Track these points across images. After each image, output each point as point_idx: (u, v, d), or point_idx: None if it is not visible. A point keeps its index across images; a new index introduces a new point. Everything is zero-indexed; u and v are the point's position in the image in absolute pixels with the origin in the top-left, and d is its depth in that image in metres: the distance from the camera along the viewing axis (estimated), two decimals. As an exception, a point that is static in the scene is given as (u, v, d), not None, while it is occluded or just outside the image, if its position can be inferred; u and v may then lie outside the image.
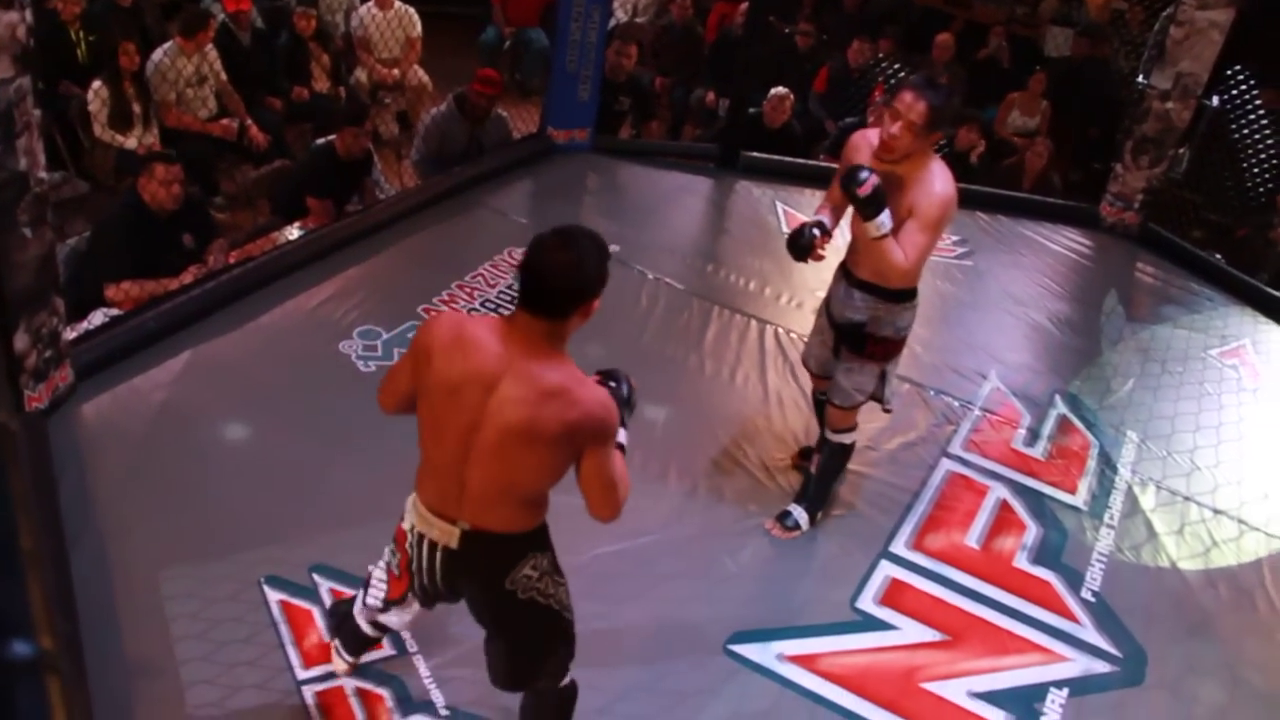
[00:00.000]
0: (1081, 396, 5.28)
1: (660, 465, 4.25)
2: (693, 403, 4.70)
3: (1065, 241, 7.03)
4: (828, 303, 3.93)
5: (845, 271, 3.82)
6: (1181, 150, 7.89)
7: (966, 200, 7.03)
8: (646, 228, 6.13)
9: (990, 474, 4.58)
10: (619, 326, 4.97)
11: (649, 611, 3.60)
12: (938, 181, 3.45)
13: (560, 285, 2.34)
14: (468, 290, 5.17)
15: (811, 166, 7.25)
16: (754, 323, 5.31)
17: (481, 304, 5.08)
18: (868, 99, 7.93)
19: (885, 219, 3.40)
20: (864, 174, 3.36)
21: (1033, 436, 4.89)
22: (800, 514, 4.06)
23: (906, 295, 3.71)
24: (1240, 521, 4.68)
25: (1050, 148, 7.78)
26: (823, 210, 3.80)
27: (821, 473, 4.06)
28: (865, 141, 3.59)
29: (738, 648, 3.54)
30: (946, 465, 4.57)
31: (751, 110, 7.26)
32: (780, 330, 5.26)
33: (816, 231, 3.65)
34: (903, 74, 7.85)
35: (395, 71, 7.70)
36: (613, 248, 5.45)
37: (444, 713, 3.20)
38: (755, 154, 7.13)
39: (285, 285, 4.97)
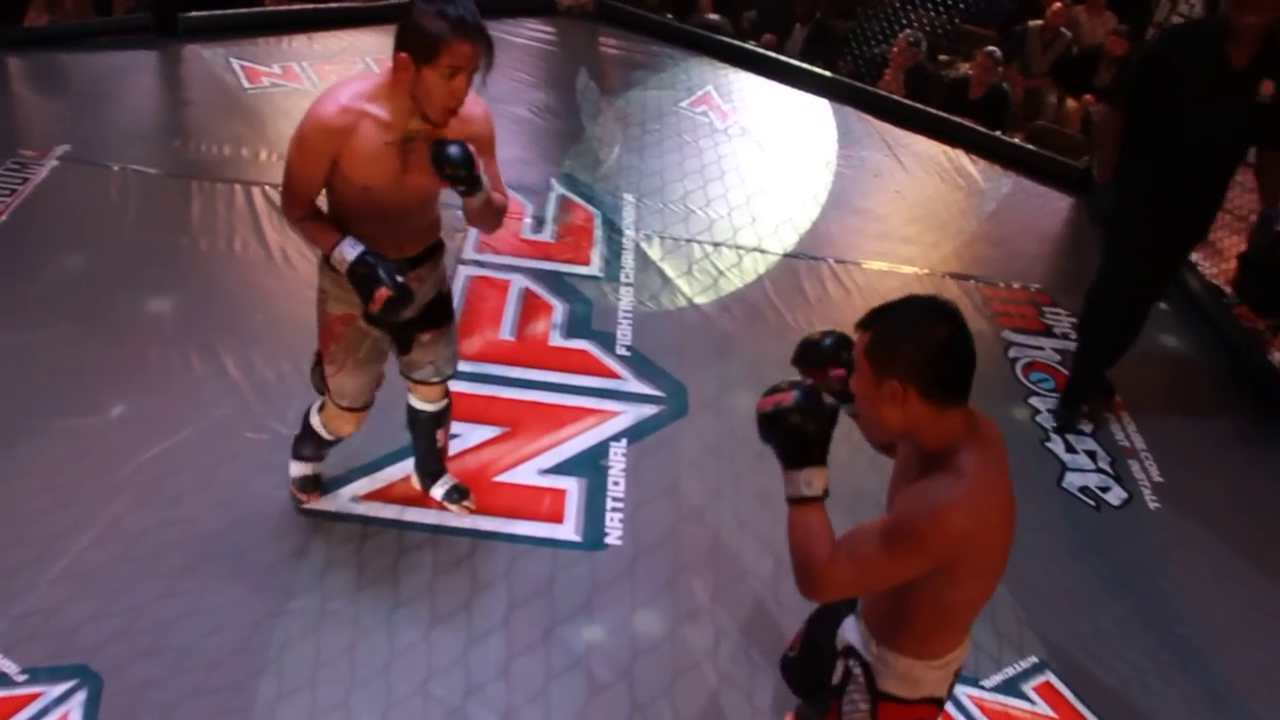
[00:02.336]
0: (575, 173, 5.52)
1: (180, 356, 4.00)
2: (200, 284, 4.43)
3: (528, 33, 7.18)
4: None
5: None
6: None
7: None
8: (97, 119, 5.60)
9: (507, 268, 4.71)
10: (94, 229, 4.56)
11: (211, 501, 3.43)
12: (941, 489, 1.94)
13: None
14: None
15: (258, 14, 6.88)
16: (238, 187, 5.04)
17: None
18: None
19: (808, 476, 2.01)
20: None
21: (538, 223, 5.07)
22: None
23: None
24: (737, 248, 5.13)
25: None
26: None
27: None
28: None
29: (312, 504, 3.48)
30: (464, 272, 4.64)
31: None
32: (267, 188, 5.03)
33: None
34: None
35: None
36: (63, 148, 5.08)
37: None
38: (194, 14, 6.62)
39: None
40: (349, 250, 2.70)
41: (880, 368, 1.92)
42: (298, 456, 3.43)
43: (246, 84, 6.02)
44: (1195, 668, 3.52)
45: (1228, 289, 5.70)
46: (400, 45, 2.50)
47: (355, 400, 3.11)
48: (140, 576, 3.13)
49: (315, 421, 3.25)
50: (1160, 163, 3.98)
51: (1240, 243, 6.31)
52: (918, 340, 1.90)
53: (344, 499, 3.50)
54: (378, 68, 6.21)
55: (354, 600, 3.17)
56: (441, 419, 3.36)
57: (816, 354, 2.28)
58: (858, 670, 2.21)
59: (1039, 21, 8.28)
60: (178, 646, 2.96)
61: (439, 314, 3.11)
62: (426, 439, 3.41)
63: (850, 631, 2.25)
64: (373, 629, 3.10)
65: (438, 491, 3.52)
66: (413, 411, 3.33)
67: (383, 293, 2.70)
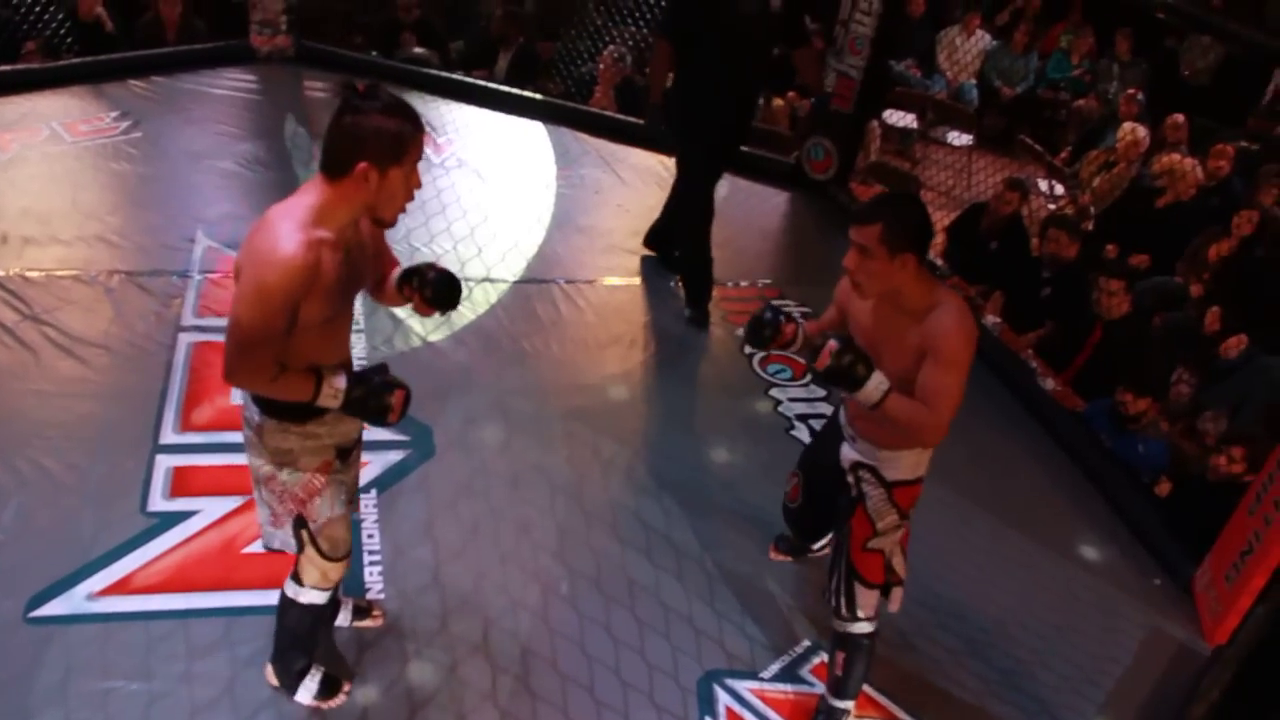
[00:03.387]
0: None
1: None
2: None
3: (229, 83, 6.93)
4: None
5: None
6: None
7: (114, 69, 6.73)
8: None
9: (232, 330, 4.51)
10: None
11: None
12: (950, 312, 2.73)
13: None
14: None
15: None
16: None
17: None
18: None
19: (877, 383, 2.71)
20: (829, 343, 2.71)
21: (261, 279, 4.87)
22: None
23: None
24: (466, 280, 5.07)
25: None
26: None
27: None
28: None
29: (41, 610, 3.23)
30: (186, 339, 4.44)
31: None
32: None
33: (780, 318, 3.03)
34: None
35: None
36: None
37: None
38: None
39: None
40: (338, 381, 2.50)
41: (895, 247, 2.64)
42: (298, 670, 3.06)
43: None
44: (952, 620, 3.75)
45: (939, 261, 6.07)
46: (355, 157, 2.27)
47: (348, 544, 2.82)
48: None
49: (307, 597, 2.87)
50: (704, 75, 4.76)
51: (946, 217, 6.74)
52: (920, 219, 2.72)
53: (78, 599, 3.28)
54: (66, 133, 5.94)
55: (103, 706, 2.97)
56: None
57: (772, 324, 3.01)
58: (867, 475, 3.01)
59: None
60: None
61: None
62: None
63: (850, 454, 3.06)
64: (126, 733, 2.91)
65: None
66: None
67: (399, 394, 2.56)
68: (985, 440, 4.72)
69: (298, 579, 2.85)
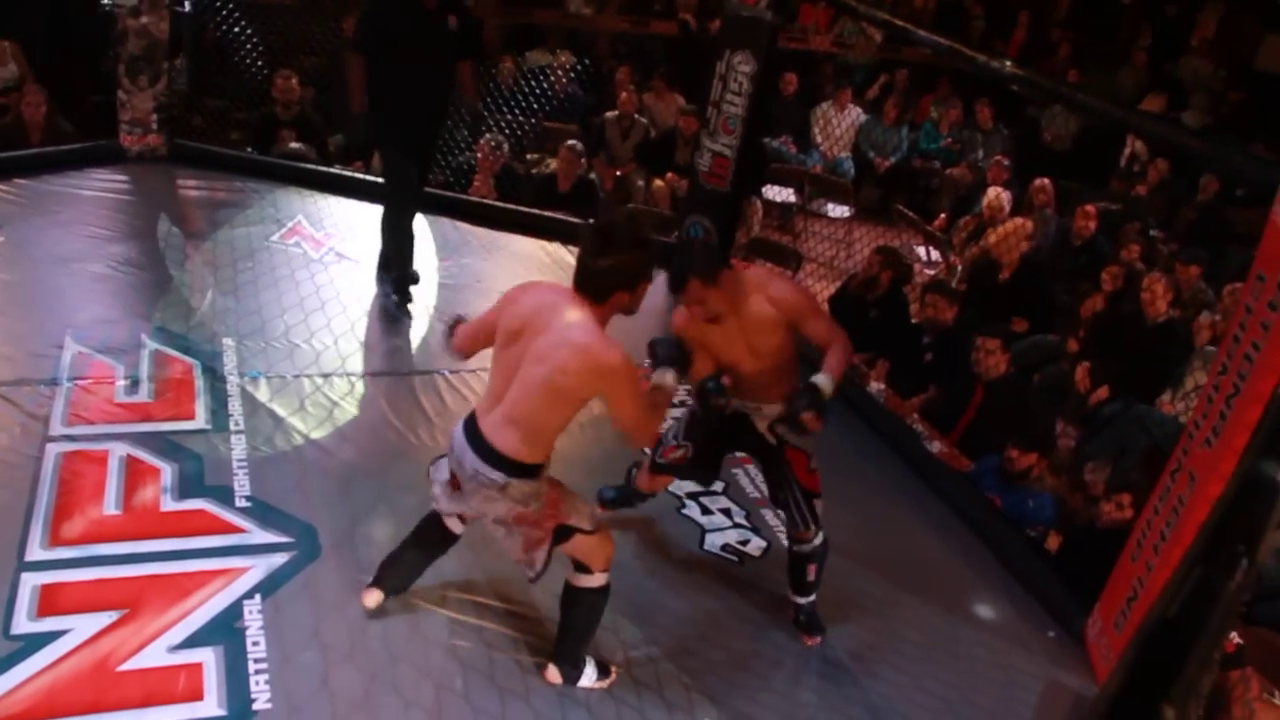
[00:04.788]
0: (167, 325, 5.23)
1: None
2: None
3: (98, 184, 6.79)
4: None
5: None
6: (178, 61, 7.89)
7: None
8: None
9: (104, 437, 4.35)
10: None
11: None
12: (773, 278, 3.91)
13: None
14: None
15: None
16: None
17: None
18: None
19: (829, 381, 3.59)
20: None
21: (133, 384, 4.74)
22: None
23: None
24: (348, 375, 5.04)
25: (43, 93, 7.32)
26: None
27: None
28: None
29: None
30: (54, 449, 4.25)
31: None
32: None
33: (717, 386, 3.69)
34: None
35: None
36: None
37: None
38: None
39: None
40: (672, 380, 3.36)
41: (710, 279, 3.49)
42: (583, 658, 3.54)
43: None
44: (852, 690, 3.78)
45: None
46: (614, 289, 3.03)
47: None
48: None
49: (600, 580, 3.39)
50: (394, 85, 5.41)
51: (829, 287, 6.86)
52: (688, 248, 3.89)
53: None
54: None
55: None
56: None
57: (717, 390, 3.64)
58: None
59: (614, 112, 8.73)
60: None
61: None
62: None
63: (762, 420, 3.80)
64: None
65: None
66: None
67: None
68: (875, 505, 4.78)
69: (585, 569, 3.36)
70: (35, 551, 3.75)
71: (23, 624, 3.46)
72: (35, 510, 3.92)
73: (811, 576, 3.89)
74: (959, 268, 7.71)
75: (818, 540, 3.82)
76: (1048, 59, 10.97)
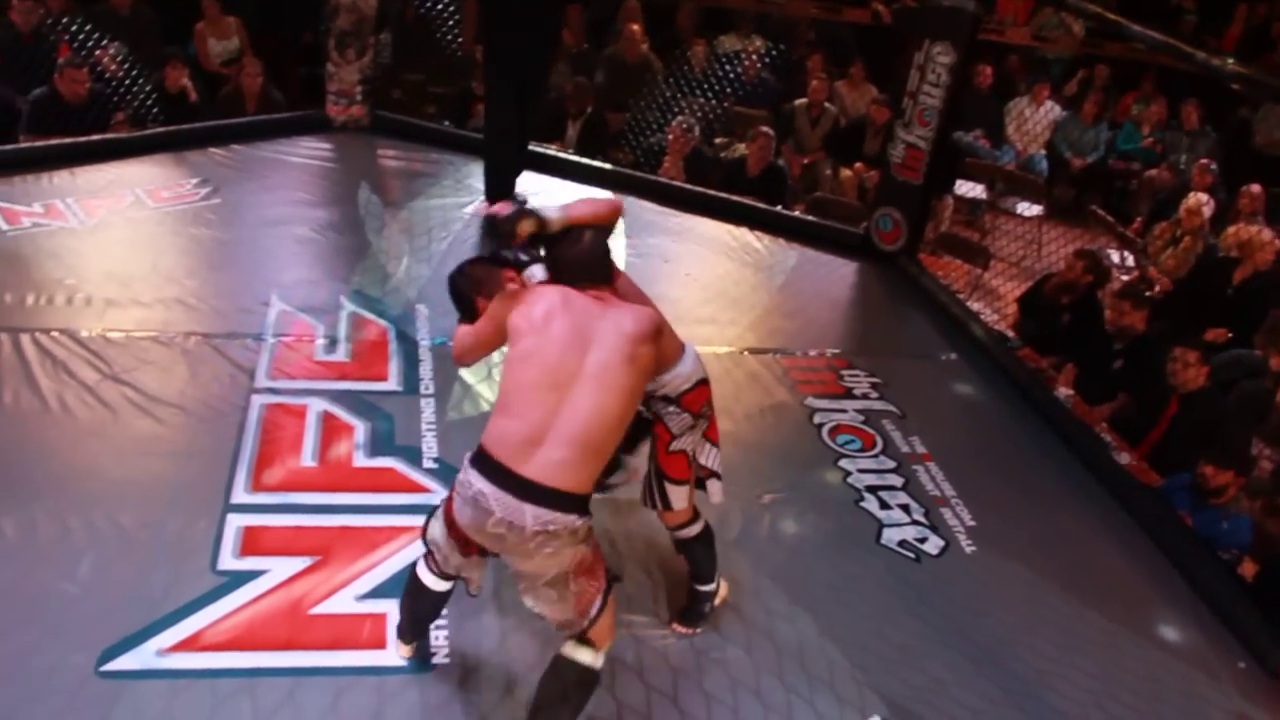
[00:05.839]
0: (365, 289, 5.45)
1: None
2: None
3: (305, 151, 7.11)
4: None
5: None
6: (383, 36, 8.17)
7: (196, 138, 6.92)
8: None
9: (303, 392, 4.58)
10: None
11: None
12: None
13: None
14: None
15: (12, 151, 6.58)
16: (4, 336, 4.70)
17: None
18: (52, 62, 7.23)
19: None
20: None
21: (332, 343, 4.96)
22: None
23: None
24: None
25: (260, 65, 7.71)
26: None
27: None
28: None
29: (112, 665, 3.25)
30: (259, 401, 4.49)
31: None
32: (37, 334, 4.74)
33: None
34: (86, 27, 7.29)
35: None
36: None
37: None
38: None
39: None
40: None
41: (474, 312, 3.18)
42: None
43: (5, 225, 5.71)
44: (1029, 702, 3.65)
45: (1010, 333, 6.00)
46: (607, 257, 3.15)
47: None
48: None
49: (601, 660, 2.98)
50: (499, 18, 5.97)
51: (1018, 288, 6.68)
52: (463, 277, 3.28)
53: (148, 654, 3.29)
54: (149, 199, 6.09)
55: (168, 763, 2.97)
56: None
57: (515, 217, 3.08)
58: (657, 401, 3.34)
59: (804, 100, 8.66)
60: None
61: None
62: None
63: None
64: (191, 792, 2.91)
65: None
66: None
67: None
68: (1059, 517, 4.63)
69: (594, 645, 2.92)
70: (240, 495, 3.98)
71: (228, 561, 3.68)
72: (241, 456, 4.16)
73: (690, 565, 3.62)
74: (1152, 274, 7.41)
75: (693, 530, 3.54)
76: (1266, 55, 10.37)
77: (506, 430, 2.71)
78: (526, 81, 6.21)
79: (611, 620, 2.95)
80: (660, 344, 3.05)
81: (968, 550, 4.28)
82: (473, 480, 2.71)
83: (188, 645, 3.35)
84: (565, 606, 2.85)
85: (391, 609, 3.51)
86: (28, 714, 3.06)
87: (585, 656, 2.91)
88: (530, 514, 2.65)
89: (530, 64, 6.16)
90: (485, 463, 2.70)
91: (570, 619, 2.88)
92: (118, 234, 5.76)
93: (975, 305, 6.28)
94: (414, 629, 3.36)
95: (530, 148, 7.43)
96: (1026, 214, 8.82)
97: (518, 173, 6.53)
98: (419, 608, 3.26)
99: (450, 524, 2.88)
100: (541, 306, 2.87)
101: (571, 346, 2.78)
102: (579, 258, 3.06)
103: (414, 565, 3.19)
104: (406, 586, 3.24)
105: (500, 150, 6.38)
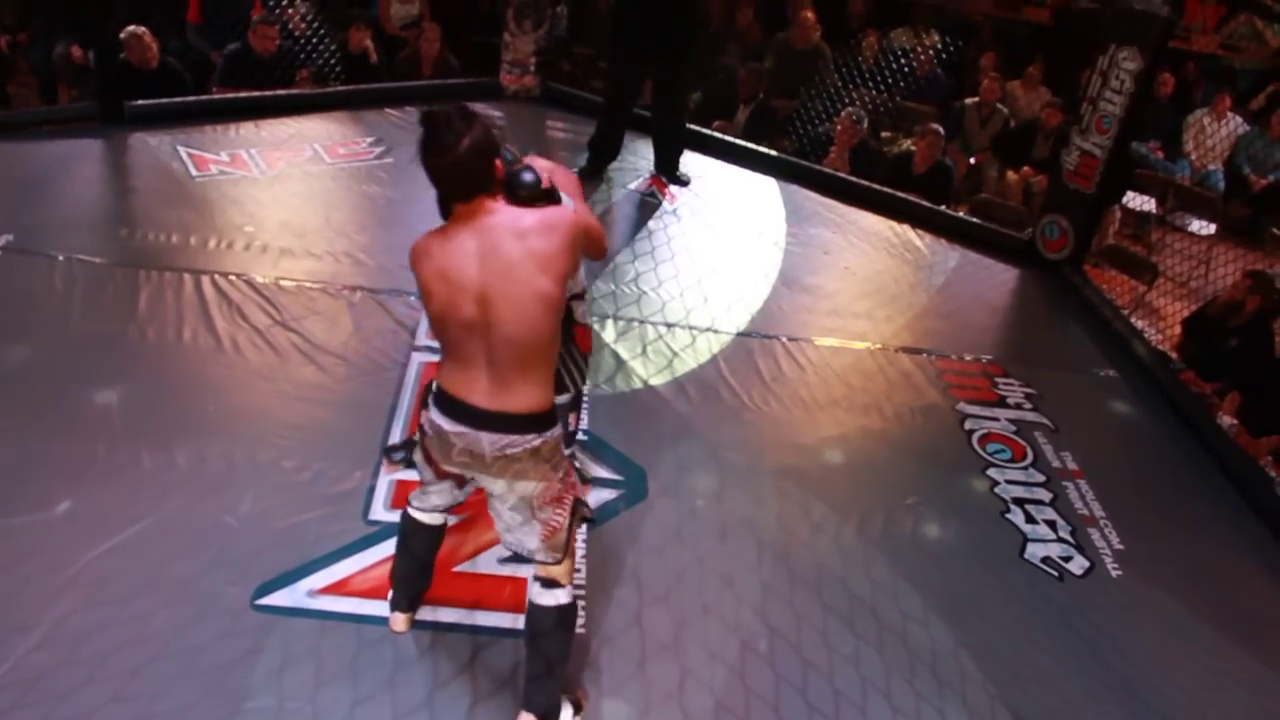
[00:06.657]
0: (526, 258, 5.50)
1: (129, 449, 3.90)
2: (148, 376, 4.34)
3: (476, 117, 7.21)
4: None
5: None
6: (559, 9, 8.28)
7: (373, 98, 7.13)
8: (41, 208, 5.53)
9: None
10: (39, 320, 4.49)
11: (164, 597, 3.33)
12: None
13: None
14: None
15: (204, 102, 6.89)
16: (186, 276, 4.97)
17: None
18: (248, 19, 7.55)
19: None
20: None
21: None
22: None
23: None
24: (691, 328, 5.15)
25: (438, 30, 7.89)
26: None
27: None
28: None
29: (266, 600, 3.39)
30: (418, 358, 4.61)
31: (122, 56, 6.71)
32: (216, 277, 4.98)
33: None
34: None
35: None
36: (5, 237, 5.01)
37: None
38: (140, 101, 6.63)
39: None
40: None
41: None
42: (560, 700, 3.12)
43: (194, 171, 5.99)
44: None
45: (1173, 355, 5.81)
46: (488, 166, 2.80)
47: None
48: (86, 680, 3.03)
49: (569, 596, 3.01)
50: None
51: (1183, 309, 6.45)
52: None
53: (299, 593, 3.41)
54: (326, 155, 6.31)
55: (312, 700, 3.08)
56: None
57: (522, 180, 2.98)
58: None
59: (975, 99, 8.49)
60: (129, 755, 2.86)
61: None
62: None
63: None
64: (333, 729, 3.01)
65: None
66: None
67: None
68: (1212, 549, 4.46)
69: (557, 584, 2.97)
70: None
71: (379, 512, 3.78)
72: (398, 411, 4.27)
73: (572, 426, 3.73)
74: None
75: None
76: None
77: (453, 366, 2.78)
78: (670, 67, 6.48)
79: (572, 564, 3.02)
80: (578, 248, 2.83)
81: (1114, 574, 4.16)
82: (433, 418, 2.83)
83: (337, 589, 3.46)
84: (530, 532, 2.91)
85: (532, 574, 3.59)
86: (192, 635, 3.22)
87: (557, 598, 2.97)
88: (487, 440, 2.75)
89: (669, 46, 6.35)
90: (440, 399, 2.81)
91: (535, 547, 2.93)
92: (295, 186, 5.98)
93: (1138, 323, 6.09)
94: (403, 590, 3.36)
95: (694, 128, 7.47)
96: (1197, 231, 8.49)
97: (679, 153, 6.64)
98: (408, 565, 3.29)
99: (427, 458, 2.98)
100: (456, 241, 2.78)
101: (486, 272, 2.68)
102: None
103: (402, 514, 3.24)
104: (397, 548, 3.29)
105: (606, 130, 6.64)
